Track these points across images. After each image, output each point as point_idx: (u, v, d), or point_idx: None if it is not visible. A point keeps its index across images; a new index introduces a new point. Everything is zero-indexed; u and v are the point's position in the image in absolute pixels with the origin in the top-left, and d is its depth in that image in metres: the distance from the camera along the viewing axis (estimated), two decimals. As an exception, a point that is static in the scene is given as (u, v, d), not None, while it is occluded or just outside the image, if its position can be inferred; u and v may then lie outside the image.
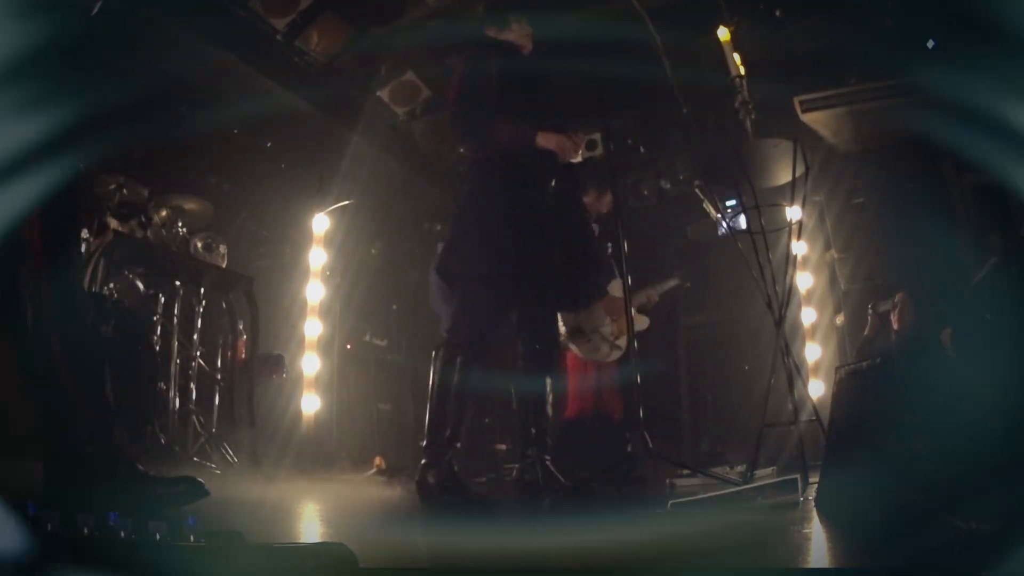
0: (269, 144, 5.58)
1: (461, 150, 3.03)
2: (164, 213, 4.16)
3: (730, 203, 4.74)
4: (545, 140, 2.91)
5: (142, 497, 1.44)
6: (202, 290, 4.26)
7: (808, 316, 5.18)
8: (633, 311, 4.67)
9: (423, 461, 2.78)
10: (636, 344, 4.63)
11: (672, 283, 4.81)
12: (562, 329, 4.42)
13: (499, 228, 2.83)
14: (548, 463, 2.96)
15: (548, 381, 3.07)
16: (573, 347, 4.47)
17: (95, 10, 1.76)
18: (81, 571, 1.18)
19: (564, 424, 4.65)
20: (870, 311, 5.00)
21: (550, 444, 3.03)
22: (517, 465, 3.17)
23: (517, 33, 3.08)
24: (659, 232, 6.10)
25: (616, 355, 4.55)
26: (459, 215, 3.02)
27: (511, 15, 3.07)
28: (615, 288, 4.69)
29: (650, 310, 4.80)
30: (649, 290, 4.77)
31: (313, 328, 5.24)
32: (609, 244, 4.68)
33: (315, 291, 5.33)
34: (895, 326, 4.82)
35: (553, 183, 2.97)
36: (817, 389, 4.72)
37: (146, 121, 4.72)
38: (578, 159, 3.06)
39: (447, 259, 2.99)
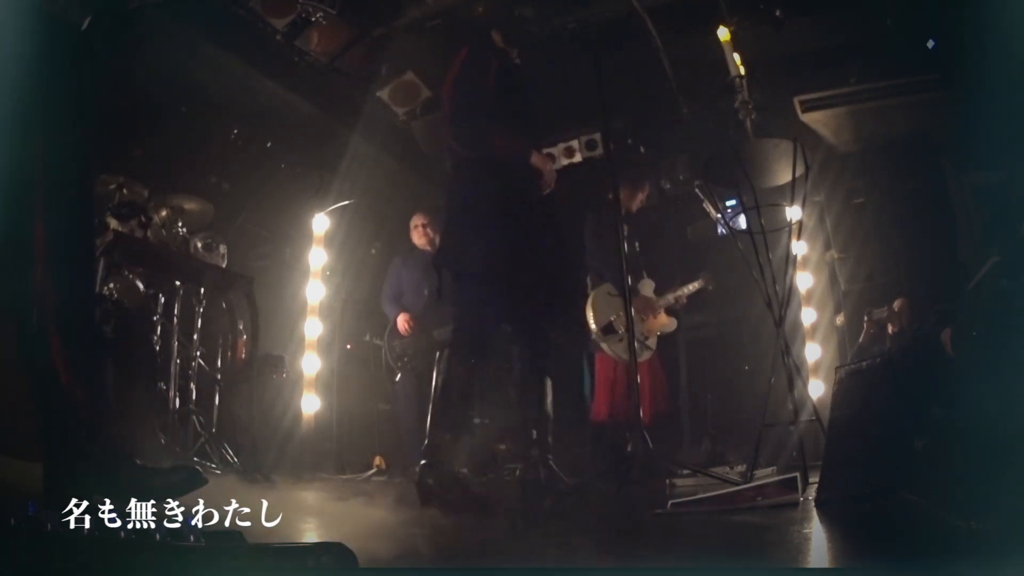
0: (269, 144, 5.57)
1: (453, 146, 3.03)
2: (164, 213, 4.16)
3: (730, 203, 4.74)
4: (537, 160, 2.97)
5: (139, 489, 1.44)
6: (202, 290, 4.25)
7: (808, 316, 5.18)
8: (663, 311, 4.71)
9: (423, 461, 2.78)
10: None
11: (697, 285, 4.82)
12: (593, 327, 4.41)
13: (497, 228, 2.84)
14: (550, 462, 2.96)
15: (549, 381, 3.08)
16: (604, 346, 4.45)
17: (84, 26, 1.78)
18: (81, 571, 1.18)
19: (600, 426, 4.64)
20: (865, 319, 5.00)
21: (552, 444, 3.04)
22: (518, 465, 3.17)
23: (514, 53, 3.11)
24: (659, 232, 6.10)
25: (647, 355, 4.55)
26: (452, 216, 3.02)
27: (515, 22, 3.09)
28: (646, 288, 4.71)
29: (677, 311, 4.83)
30: (678, 292, 4.78)
31: (313, 328, 5.24)
32: (636, 243, 4.70)
33: (315, 291, 5.32)
34: (891, 332, 4.82)
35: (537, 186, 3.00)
36: (817, 389, 4.71)
37: (147, 122, 4.74)
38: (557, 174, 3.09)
39: (446, 256, 3.00)
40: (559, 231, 3.07)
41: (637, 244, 4.72)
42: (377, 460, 4.88)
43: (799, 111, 5.25)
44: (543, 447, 2.98)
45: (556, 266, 2.98)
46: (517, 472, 3.29)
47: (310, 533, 2.08)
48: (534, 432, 3.00)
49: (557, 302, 3.15)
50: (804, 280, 5.23)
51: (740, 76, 4.85)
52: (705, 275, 4.86)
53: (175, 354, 4.05)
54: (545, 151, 3.38)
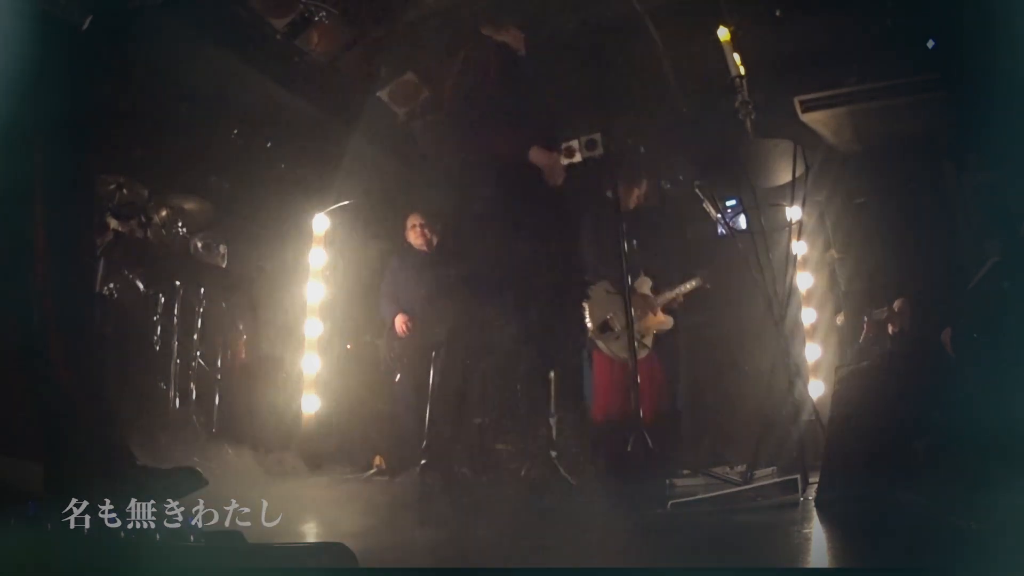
0: (269, 144, 5.57)
1: (457, 149, 3.04)
2: (164, 213, 4.17)
3: (730, 203, 4.74)
4: (536, 156, 2.95)
5: (139, 489, 1.44)
6: (202, 290, 4.26)
7: (808, 316, 5.18)
8: (660, 310, 4.70)
9: (423, 461, 2.79)
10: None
11: (694, 283, 4.81)
12: (590, 325, 4.41)
13: (501, 229, 2.84)
14: (554, 460, 2.97)
15: (553, 380, 3.08)
16: (600, 344, 4.44)
17: (84, 25, 1.79)
18: (81, 571, 1.18)
19: (598, 426, 4.63)
20: (865, 319, 4.99)
21: (554, 442, 3.04)
22: (519, 464, 3.17)
23: (513, 36, 3.09)
24: (659, 232, 6.09)
25: (643, 354, 4.53)
26: (457, 217, 3.03)
27: (508, 17, 3.09)
28: (642, 286, 4.70)
29: (675, 310, 4.81)
30: (675, 290, 4.77)
31: (313, 328, 5.23)
32: (634, 241, 4.68)
33: (315, 291, 5.32)
34: (891, 332, 4.82)
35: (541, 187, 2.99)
36: (817, 389, 4.71)
37: (147, 122, 4.74)
38: (563, 175, 3.08)
39: (451, 257, 3.01)
40: (564, 229, 3.07)
41: (634, 242, 4.71)
42: (377, 460, 4.87)
43: (799, 111, 5.25)
44: (545, 445, 2.99)
45: (561, 264, 2.98)
46: (522, 472, 3.30)
47: (310, 533, 2.08)
48: (537, 430, 3.01)
49: (562, 300, 3.15)
50: (804, 280, 5.23)
51: (740, 76, 4.84)
52: (702, 273, 4.84)
53: (175, 354, 4.06)
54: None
